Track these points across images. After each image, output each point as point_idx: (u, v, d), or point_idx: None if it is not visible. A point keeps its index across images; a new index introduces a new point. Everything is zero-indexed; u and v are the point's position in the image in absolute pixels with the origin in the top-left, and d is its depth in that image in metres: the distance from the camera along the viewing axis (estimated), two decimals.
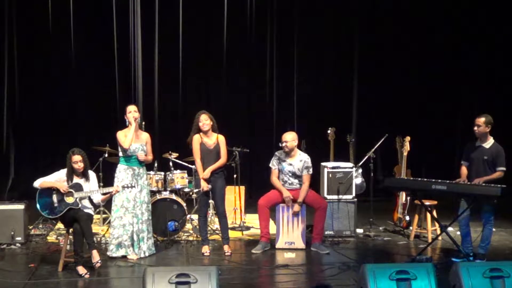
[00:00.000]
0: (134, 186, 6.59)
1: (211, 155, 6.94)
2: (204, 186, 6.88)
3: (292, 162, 7.21)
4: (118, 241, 6.74)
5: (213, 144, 6.96)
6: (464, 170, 6.78)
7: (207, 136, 6.96)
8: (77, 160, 6.38)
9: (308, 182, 7.24)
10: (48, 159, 9.85)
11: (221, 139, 7.02)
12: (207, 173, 6.89)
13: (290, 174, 7.22)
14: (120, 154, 6.86)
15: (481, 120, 6.61)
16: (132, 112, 6.78)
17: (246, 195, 8.71)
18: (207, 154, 6.94)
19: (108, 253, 6.78)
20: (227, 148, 7.18)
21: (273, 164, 7.27)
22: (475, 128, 6.65)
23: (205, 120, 6.90)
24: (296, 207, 7.15)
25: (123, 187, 6.56)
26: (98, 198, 6.54)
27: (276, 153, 7.32)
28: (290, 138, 7.20)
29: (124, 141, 6.72)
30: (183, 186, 7.95)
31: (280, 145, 7.23)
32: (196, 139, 6.96)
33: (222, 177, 7.05)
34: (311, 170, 7.25)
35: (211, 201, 7.46)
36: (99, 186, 7.17)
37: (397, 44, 10.62)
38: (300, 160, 7.22)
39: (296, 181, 7.23)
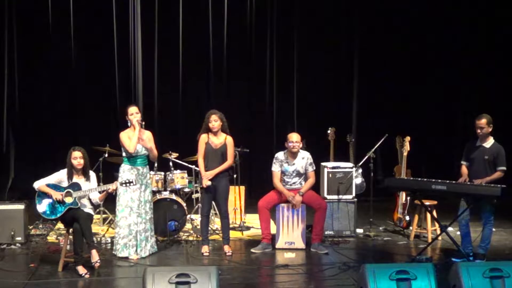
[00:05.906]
0: (133, 182, 6.48)
1: (216, 155, 6.90)
2: (204, 182, 6.86)
3: (295, 162, 7.21)
4: (124, 241, 6.75)
5: (219, 144, 6.92)
6: (464, 169, 6.78)
7: (215, 136, 6.93)
8: (77, 156, 6.37)
9: (314, 177, 7.24)
10: (48, 159, 9.83)
11: (229, 140, 6.98)
12: (210, 174, 6.86)
13: (294, 174, 7.21)
14: (124, 154, 6.84)
15: (483, 121, 6.60)
16: (134, 114, 6.72)
17: (246, 195, 8.71)
18: (211, 153, 6.90)
19: (114, 252, 6.81)
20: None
21: (276, 167, 7.24)
22: (478, 130, 6.63)
23: (214, 121, 6.86)
24: (297, 197, 7.11)
25: (122, 183, 6.47)
26: (95, 197, 6.50)
27: (277, 156, 7.27)
28: (298, 138, 7.19)
29: (129, 146, 6.68)
30: (183, 186, 7.96)
31: (289, 145, 7.16)
32: (202, 139, 6.94)
33: (226, 178, 7.02)
34: (314, 165, 7.28)
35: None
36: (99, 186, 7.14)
37: (397, 44, 10.61)
38: (302, 157, 7.22)
39: (298, 180, 7.23)
